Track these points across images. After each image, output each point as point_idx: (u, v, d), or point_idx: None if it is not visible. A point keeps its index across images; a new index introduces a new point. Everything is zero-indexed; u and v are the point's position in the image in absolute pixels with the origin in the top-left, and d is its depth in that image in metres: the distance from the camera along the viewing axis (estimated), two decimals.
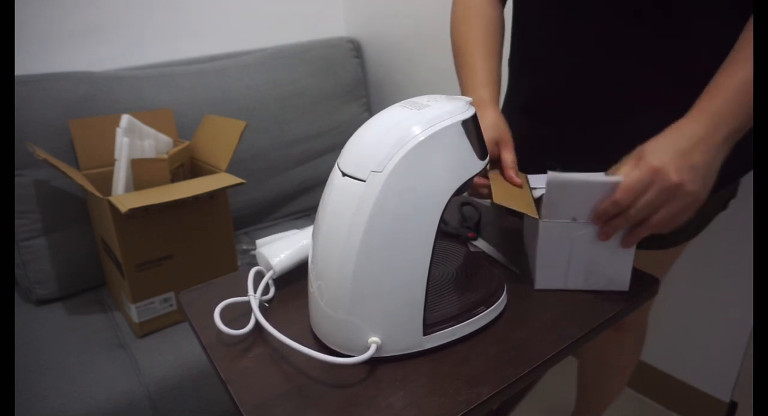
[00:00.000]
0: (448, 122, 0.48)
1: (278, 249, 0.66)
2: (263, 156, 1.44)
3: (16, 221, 1.12)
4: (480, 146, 0.52)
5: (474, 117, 0.51)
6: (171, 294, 1.06)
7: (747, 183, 0.82)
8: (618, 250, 0.60)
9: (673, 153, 0.54)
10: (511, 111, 0.84)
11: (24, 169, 1.11)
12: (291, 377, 0.51)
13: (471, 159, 0.50)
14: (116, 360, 1.00)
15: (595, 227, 0.59)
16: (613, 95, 0.73)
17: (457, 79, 0.80)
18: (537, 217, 0.60)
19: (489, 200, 0.64)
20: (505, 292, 0.59)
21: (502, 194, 0.63)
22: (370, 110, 1.70)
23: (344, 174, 0.49)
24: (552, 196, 0.58)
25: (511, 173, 0.67)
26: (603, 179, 0.56)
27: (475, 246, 0.73)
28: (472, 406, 0.46)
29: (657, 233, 0.57)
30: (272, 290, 0.64)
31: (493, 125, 0.69)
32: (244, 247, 1.37)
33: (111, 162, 1.10)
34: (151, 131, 1.15)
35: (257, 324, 0.56)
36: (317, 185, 1.58)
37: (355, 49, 1.65)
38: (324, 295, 0.52)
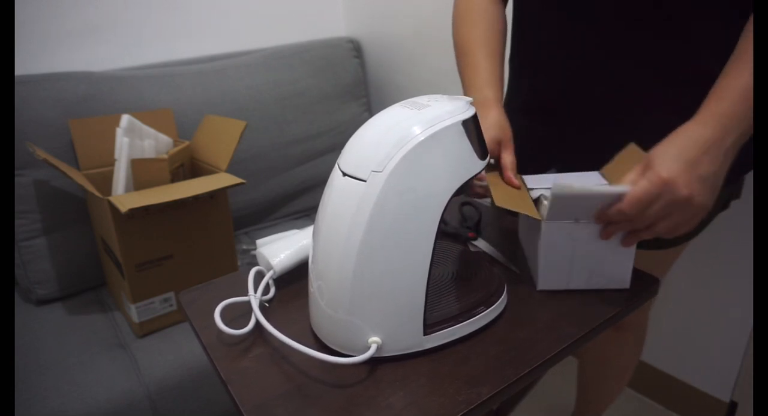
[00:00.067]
0: (448, 122, 0.48)
1: (278, 249, 0.66)
2: (263, 156, 1.44)
3: (16, 221, 1.12)
4: (480, 146, 0.52)
5: (474, 117, 0.51)
6: (171, 294, 1.06)
7: (747, 183, 0.82)
8: (619, 248, 0.60)
9: (683, 164, 0.53)
10: (510, 112, 0.84)
11: (24, 169, 1.11)
12: (291, 377, 0.51)
13: (471, 159, 0.50)
14: (116, 360, 1.00)
15: (597, 226, 0.59)
16: (612, 97, 0.73)
17: (457, 79, 0.80)
18: (539, 218, 0.59)
19: (489, 201, 0.64)
20: (505, 292, 0.59)
21: (502, 196, 0.62)
22: (370, 110, 1.70)
23: (344, 174, 0.49)
24: (556, 205, 0.57)
25: (510, 174, 0.67)
26: (609, 190, 0.55)
27: (475, 246, 0.73)
28: (472, 406, 0.46)
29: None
30: (272, 290, 0.64)
31: (497, 124, 0.69)
32: (244, 247, 1.37)
33: (111, 162, 1.10)
34: (151, 131, 1.15)
35: (257, 324, 0.56)
36: (317, 185, 1.58)
37: (355, 49, 1.65)
38: (324, 295, 0.52)
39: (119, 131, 1.08)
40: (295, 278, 0.66)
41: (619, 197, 0.54)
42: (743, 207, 0.85)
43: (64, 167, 1.02)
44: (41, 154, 1.00)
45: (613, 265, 0.61)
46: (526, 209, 0.60)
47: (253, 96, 1.42)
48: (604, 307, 0.60)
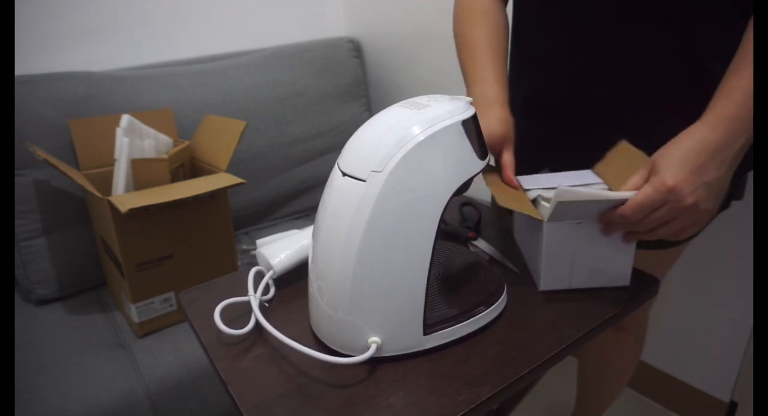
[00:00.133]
0: (448, 122, 0.48)
1: (278, 249, 0.66)
2: (263, 156, 1.44)
3: (16, 221, 1.12)
4: (480, 146, 0.52)
5: (474, 117, 0.51)
6: (171, 294, 1.06)
7: (747, 183, 0.82)
8: (619, 247, 0.60)
9: (689, 171, 0.52)
10: (510, 112, 0.84)
11: (24, 169, 1.11)
12: (291, 377, 0.51)
13: (471, 159, 0.50)
14: (116, 360, 1.00)
15: (598, 225, 0.59)
16: (612, 97, 0.72)
17: (457, 80, 0.80)
18: (541, 219, 0.59)
19: (489, 201, 0.64)
20: (505, 292, 0.59)
21: (503, 196, 0.62)
22: (370, 110, 1.70)
23: (344, 174, 0.49)
24: (560, 209, 0.56)
25: (510, 174, 0.66)
26: (614, 196, 0.55)
27: (475, 246, 0.73)
28: (472, 406, 0.46)
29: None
30: (272, 290, 0.64)
31: (502, 120, 0.68)
32: (244, 247, 1.37)
33: (111, 162, 1.10)
34: (151, 131, 1.15)
35: (257, 324, 0.56)
36: (317, 185, 1.58)
37: (355, 49, 1.65)
38: (324, 295, 0.52)
39: (119, 131, 1.08)
40: (295, 278, 0.66)
41: (623, 202, 0.54)
42: (743, 207, 0.85)
43: (64, 167, 1.02)
44: (41, 154, 1.00)
45: (614, 263, 0.61)
46: (527, 209, 0.60)
47: (253, 96, 1.42)
48: (604, 307, 0.60)
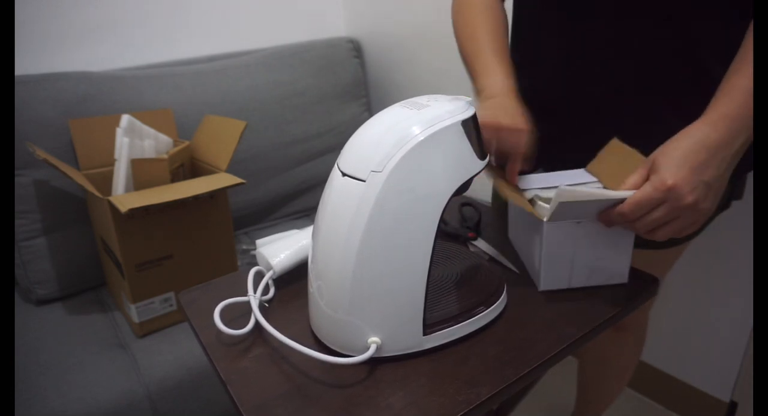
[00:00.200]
0: (448, 122, 0.48)
1: (278, 249, 0.66)
2: (263, 156, 1.44)
3: (16, 221, 1.12)
4: (480, 146, 0.52)
5: (474, 117, 0.51)
6: (171, 294, 1.06)
7: (747, 183, 0.82)
8: (618, 244, 0.60)
9: (689, 170, 0.51)
10: None
11: (24, 169, 1.11)
12: (291, 377, 0.51)
13: (471, 159, 0.50)
14: (116, 360, 1.00)
15: (597, 224, 0.59)
16: (612, 97, 0.72)
17: (457, 80, 0.80)
18: (543, 219, 0.59)
19: (489, 201, 0.64)
20: (504, 292, 0.59)
21: (509, 193, 0.62)
22: (370, 110, 1.70)
23: (344, 174, 0.49)
24: (560, 209, 0.56)
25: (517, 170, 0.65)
26: (615, 195, 0.55)
27: (475, 246, 0.73)
28: (472, 406, 0.46)
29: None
30: (272, 290, 0.64)
31: (523, 113, 0.66)
32: (244, 247, 1.37)
33: (111, 162, 1.10)
34: (151, 131, 1.15)
35: (257, 324, 0.56)
36: (317, 185, 1.58)
37: (355, 49, 1.65)
38: (324, 295, 0.52)
39: (119, 131, 1.08)
40: (294, 278, 0.66)
41: (622, 201, 0.54)
42: (743, 207, 0.85)
43: (64, 167, 1.02)
44: (41, 154, 1.00)
45: (612, 261, 0.62)
46: (529, 208, 0.60)
47: (253, 96, 1.42)
48: (604, 307, 0.60)
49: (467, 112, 0.50)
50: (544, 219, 0.58)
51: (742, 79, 0.55)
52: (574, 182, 0.63)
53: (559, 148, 0.80)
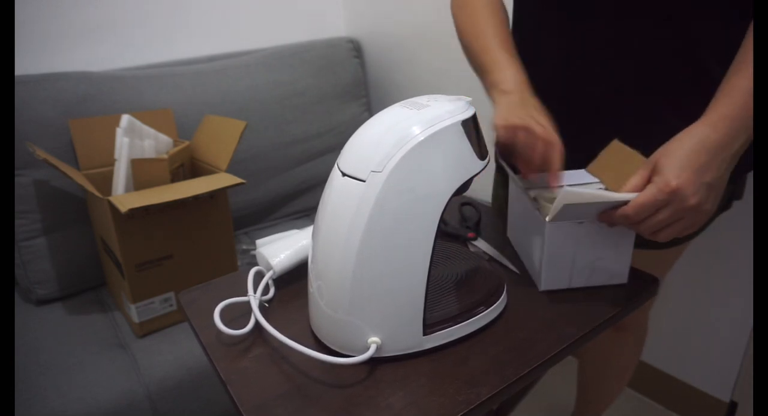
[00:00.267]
0: (448, 122, 0.48)
1: (278, 249, 0.66)
2: (263, 156, 1.44)
3: (16, 221, 1.12)
4: (480, 146, 0.52)
5: (474, 117, 0.51)
6: (171, 294, 1.06)
7: (747, 183, 0.82)
8: (618, 245, 0.60)
9: (692, 171, 0.52)
10: None
11: (24, 169, 1.11)
12: (291, 377, 0.51)
13: (471, 159, 0.50)
14: (116, 360, 1.00)
15: (598, 224, 0.59)
16: (613, 97, 0.72)
17: (455, 79, 0.80)
18: (545, 220, 0.59)
19: (489, 201, 0.64)
20: (504, 292, 0.59)
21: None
22: (370, 110, 1.70)
23: (344, 174, 0.49)
24: (563, 211, 0.56)
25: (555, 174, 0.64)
26: (618, 196, 0.54)
27: (475, 246, 0.73)
28: (472, 406, 0.46)
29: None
30: (272, 290, 0.64)
31: (544, 110, 0.65)
32: (244, 247, 1.37)
33: (111, 162, 1.10)
34: (151, 131, 1.15)
35: (257, 324, 0.56)
36: (317, 185, 1.58)
37: (355, 49, 1.65)
38: (324, 295, 0.52)
39: (119, 131, 1.08)
40: (294, 278, 0.66)
41: (626, 202, 0.54)
42: (744, 207, 0.85)
43: (64, 167, 1.02)
44: (41, 154, 1.00)
45: (613, 261, 0.62)
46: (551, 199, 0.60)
47: (253, 96, 1.42)
48: (604, 307, 0.60)
49: (467, 112, 0.50)
50: (547, 219, 0.58)
51: (742, 80, 0.55)
52: (575, 183, 0.63)
53: None
